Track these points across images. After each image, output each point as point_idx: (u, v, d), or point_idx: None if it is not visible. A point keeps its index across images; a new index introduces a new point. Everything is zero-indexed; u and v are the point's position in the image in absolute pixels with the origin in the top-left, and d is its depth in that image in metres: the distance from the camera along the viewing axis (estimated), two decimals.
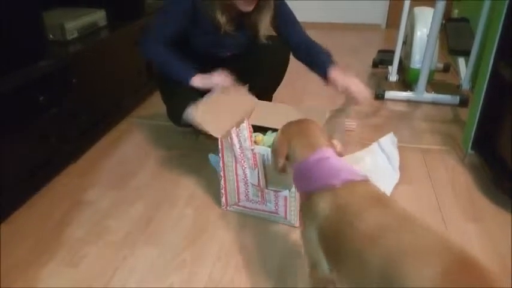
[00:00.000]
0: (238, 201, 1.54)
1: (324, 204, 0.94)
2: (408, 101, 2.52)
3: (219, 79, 1.57)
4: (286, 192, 1.42)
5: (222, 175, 1.52)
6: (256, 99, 1.68)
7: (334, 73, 1.54)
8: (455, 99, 2.44)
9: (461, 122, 2.25)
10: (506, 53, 1.63)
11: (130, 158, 1.96)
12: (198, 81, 1.59)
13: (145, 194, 1.68)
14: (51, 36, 1.92)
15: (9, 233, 1.47)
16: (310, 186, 0.99)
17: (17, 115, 1.57)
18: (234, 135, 1.41)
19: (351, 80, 1.51)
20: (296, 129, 1.11)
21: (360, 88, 1.49)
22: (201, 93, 1.57)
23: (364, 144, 1.98)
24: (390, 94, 2.52)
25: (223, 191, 1.55)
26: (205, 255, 1.38)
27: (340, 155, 1.07)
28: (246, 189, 1.50)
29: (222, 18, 1.61)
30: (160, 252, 1.39)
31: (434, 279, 0.70)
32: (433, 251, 0.75)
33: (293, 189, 1.40)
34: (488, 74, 1.70)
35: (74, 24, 1.98)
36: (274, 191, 1.43)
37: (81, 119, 1.95)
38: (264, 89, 1.95)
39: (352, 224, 0.86)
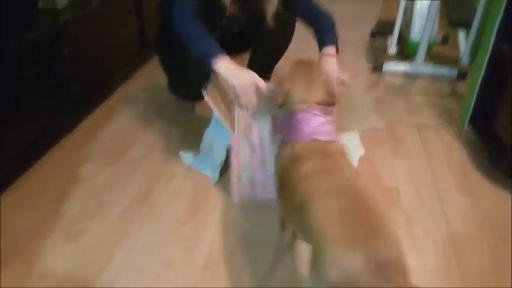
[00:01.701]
0: (255, 194, 1.49)
1: (288, 151, 1.10)
2: (406, 74, 2.50)
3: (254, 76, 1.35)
4: None
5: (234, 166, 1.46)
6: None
7: (323, 56, 1.49)
8: (453, 72, 2.42)
9: (458, 96, 2.25)
10: (509, 31, 1.61)
11: (125, 131, 1.93)
12: (226, 64, 1.35)
13: (142, 169, 1.68)
14: (41, 4, 1.85)
15: (6, 208, 1.46)
16: (289, 137, 1.13)
17: (7, 88, 1.53)
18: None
19: (331, 68, 1.44)
20: (299, 74, 1.19)
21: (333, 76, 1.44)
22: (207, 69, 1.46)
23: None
24: (388, 66, 2.49)
25: (234, 180, 1.47)
26: (204, 229, 1.39)
27: (332, 103, 1.17)
28: (264, 178, 1.45)
29: (226, 1, 1.55)
30: (159, 226, 1.40)
31: (333, 220, 0.83)
32: (335, 192, 0.90)
33: None
34: (489, 51, 1.68)
35: None
36: None
37: (74, 90, 1.91)
38: (265, 61, 1.93)
39: (295, 169, 1.02)
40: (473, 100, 1.81)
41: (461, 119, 1.93)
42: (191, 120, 1.99)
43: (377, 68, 2.50)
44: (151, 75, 2.40)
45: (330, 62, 1.45)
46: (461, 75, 2.40)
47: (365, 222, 0.82)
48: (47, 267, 1.25)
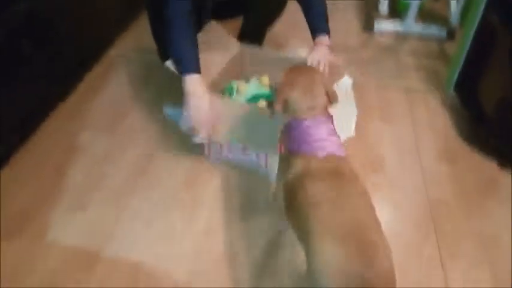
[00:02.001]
0: (221, 153, 1.59)
1: (298, 166, 1.04)
2: (396, 34, 2.51)
3: (202, 125, 1.37)
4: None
5: None
6: (238, 45, 1.68)
7: (316, 45, 1.52)
8: (443, 32, 2.44)
9: (446, 57, 2.28)
10: (498, 2, 1.63)
11: (119, 96, 1.96)
12: (193, 85, 1.34)
13: (139, 138, 1.73)
14: None
15: (9, 180, 1.52)
16: (295, 147, 1.07)
17: (1, 60, 1.54)
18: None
19: (316, 58, 1.49)
20: (302, 79, 1.13)
21: (323, 67, 1.49)
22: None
23: None
24: (379, 26, 2.49)
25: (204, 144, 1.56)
26: (203, 196, 1.49)
27: (332, 101, 1.14)
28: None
29: None
30: (160, 195, 1.49)
31: (336, 259, 0.85)
32: (341, 233, 0.88)
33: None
34: (477, 20, 1.71)
35: None
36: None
37: (66, 56, 1.91)
38: (257, 26, 1.93)
39: (304, 187, 0.98)
40: (459, 67, 1.87)
41: (447, 85, 1.99)
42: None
43: (368, 28, 2.50)
44: (140, 34, 2.35)
45: (320, 50, 1.49)
46: (451, 35, 2.42)
47: (364, 252, 0.85)
48: (54, 238, 1.34)
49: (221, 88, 1.65)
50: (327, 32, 1.55)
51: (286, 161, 1.10)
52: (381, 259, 0.85)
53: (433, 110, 1.94)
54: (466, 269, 1.31)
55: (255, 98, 1.61)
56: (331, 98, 1.14)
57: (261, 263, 1.29)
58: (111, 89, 2.01)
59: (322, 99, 1.11)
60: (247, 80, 1.70)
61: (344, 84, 1.70)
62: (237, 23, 1.93)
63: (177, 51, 1.38)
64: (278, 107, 1.13)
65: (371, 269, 0.83)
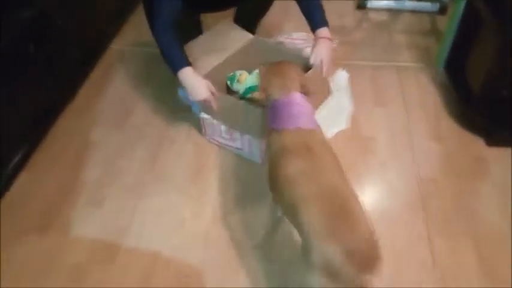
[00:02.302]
0: (213, 135, 1.74)
1: (276, 143, 1.23)
2: (390, 10, 2.55)
3: (202, 95, 1.56)
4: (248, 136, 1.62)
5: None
6: (249, 36, 1.80)
7: (320, 39, 1.62)
8: (435, 6, 2.48)
9: (438, 34, 2.33)
10: None
11: (124, 92, 2.06)
12: (186, 76, 1.55)
13: (146, 132, 1.85)
14: None
15: (31, 180, 1.66)
16: (273, 125, 1.26)
17: (12, 65, 1.63)
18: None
19: (324, 56, 1.60)
20: (277, 70, 1.35)
21: (326, 66, 1.61)
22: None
23: (344, 65, 2.10)
24: (372, 3, 2.53)
25: (202, 122, 1.73)
26: (208, 187, 1.62)
27: (307, 93, 1.31)
28: (219, 128, 1.68)
29: None
30: (169, 188, 1.62)
31: (318, 220, 1.02)
32: (321, 199, 1.05)
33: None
34: (464, 3, 1.76)
35: None
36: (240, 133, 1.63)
37: (71, 56, 2.00)
38: (250, 17, 1.99)
39: (283, 166, 1.16)
40: (449, 45, 1.94)
41: (438, 62, 2.06)
42: None
43: (361, 6, 2.54)
44: (139, 26, 2.42)
45: (325, 47, 1.59)
46: (443, 10, 2.46)
47: (345, 221, 1.01)
48: (78, 234, 1.49)
49: (226, 74, 1.80)
50: (326, 24, 1.63)
51: (269, 140, 1.28)
52: (357, 216, 1.03)
53: (424, 88, 2.02)
54: (451, 243, 1.43)
55: (251, 88, 1.72)
56: (306, 90, 1.31)
57: (264, 246, 1.43)
58: (115, 85, 2.11)
59: (293, 84, 1.30)
60: (250, 71, 1.79)
61: (340, 78, 1.79)
62: (229, 13, 2.01)
63: (168, 56, 1.58)
64: (261, 94, 1.35)
65: (352, 229, 1.00)
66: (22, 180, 1.66)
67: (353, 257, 0.95)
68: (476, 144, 1.76)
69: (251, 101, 1.69)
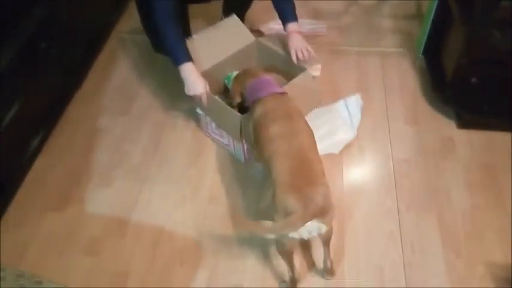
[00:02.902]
0: (207, 129, 1.91)
1: (257, 110, 1.51)
2: None
3: (197, 91, 1.68)
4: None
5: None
6: (252, 38, 1.94)
7: (291, 34, 1.78)
8: None
9: (421, 16, 2.45)
10: None
11: (127, 79, 2.23)
12: (186, 71, 1.67)
13: (149, 118, 2.03)
14: None
15: (46, 165, 1.86)
16: (251, 98, 1.57)
17: (29, 60, 1.81)
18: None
19: (299, 47, 1.77)
20: (247, 75, 1.67)
21: (305, 55, 1.77)
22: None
23: (332, 50, 2.25)
24: None
25: (199, 116, 1.90)
26: (206, 170, 1.82)
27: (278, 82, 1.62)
28: (211, 124, 1.86)
29: None
30: (170, 171, 1.83)
31: (285, 173, 1.28)
32: (291, 157, 1.32)
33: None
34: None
35: None
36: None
37: (77, 47, 2.16)
38: (237, 9, 2.12)
39: (265, 127, 1.43)
40: (427, 33, 2.08)
41: (417, 48, 2.21)
42: None
43: None
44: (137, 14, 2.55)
45: (297, 39, 1.74)
46: None
47: (306, 176, 1.27)
48: (92, 211, 1.71)
49: (225, 72, 1.93)
50: (295, 19, 1.79)
51: (251, 111, 1.57)
52: (316, 168, 1.29)
53: (404, 72, 2.18)
54: (418, 218, 1.64)
55: None
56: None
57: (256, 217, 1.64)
58: (118, 72, 2.27)
59: (258, 72, 1.66)
60: None
61: (352, 103, 1.90)
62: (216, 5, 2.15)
63: (170, 45, 1.69)
64: (236, 100, 1.68)
65: (310, 177, 1.26)
66: (39, 164, 1.86)
67: (306, 205, 1.19)
68: (447, 126, 1.93)
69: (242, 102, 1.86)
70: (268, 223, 1.23)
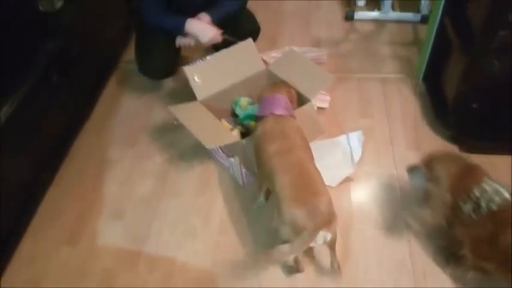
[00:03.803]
0: (213, 152, 1.95)
1: (258, 128, 1.64)
2: (375, 20, 2.74)
3: (211, 34, 1.94)
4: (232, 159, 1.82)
5: None
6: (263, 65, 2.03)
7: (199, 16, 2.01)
8: (417, 16, 2.67)
9: (419, 42, 2.53)
10: (450, 4, 1.87)
11: (134, 110, 2.27)
12: (192, 25, 1.95)
13: (157, 149, 2.07)
14: (40, 8, 2.04)
15: (57, 197, 1.89)
16: (258, 112, 1.70)
17: (41, 92, 1.84)
18: None
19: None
20: (271, 84, 1.86)
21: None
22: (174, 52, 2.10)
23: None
24: (359, 15, 2.72)
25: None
26: (215, 200, 1.84)
27: (291, 100, 1.74)
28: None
29: None
30: (180, 201, 1.85)
31: (288, 187, 1.39)
32: (291, 171, 1.44)
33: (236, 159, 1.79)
34: (437, 22, 1.96)
35: None
36: (227, 155, 1.84)
37: (86, 79, 2.21)
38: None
39: (264, 147, 1.55)
40: (426, 61, 2.14)
41: (417, 74, 2.27)
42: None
43: (349, 17, 2.73)
44: None
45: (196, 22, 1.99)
46: (424, 19, 2.65)
47: (308, 188, 1.38)
48: (104, 244, 1.72)
49: (233, 97, 2.01)
50: (212, 15, 2.01)
51: (256, 126, 1.69)
52: (316, 178, 1.42)
53: (405, 98, 2.24)
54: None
55: (250, 116, 1.94)
56: (291, 96, 1.79)
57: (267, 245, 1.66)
58: (126, 103, 2.32)
59: (278, 90, 1.75)
60: (253, 102, 2.01)
61: (354, 139, 1.96)
62: None
63: (168, 23, 1.99)
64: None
65: (312, 188, 1.38)
66: (50, 196, 1.89)
67: (313, 217, 1.28)
68: (450, 150, 1.97)
69: (247, 127, 1.92)
70: (284, 247, 1.30)
